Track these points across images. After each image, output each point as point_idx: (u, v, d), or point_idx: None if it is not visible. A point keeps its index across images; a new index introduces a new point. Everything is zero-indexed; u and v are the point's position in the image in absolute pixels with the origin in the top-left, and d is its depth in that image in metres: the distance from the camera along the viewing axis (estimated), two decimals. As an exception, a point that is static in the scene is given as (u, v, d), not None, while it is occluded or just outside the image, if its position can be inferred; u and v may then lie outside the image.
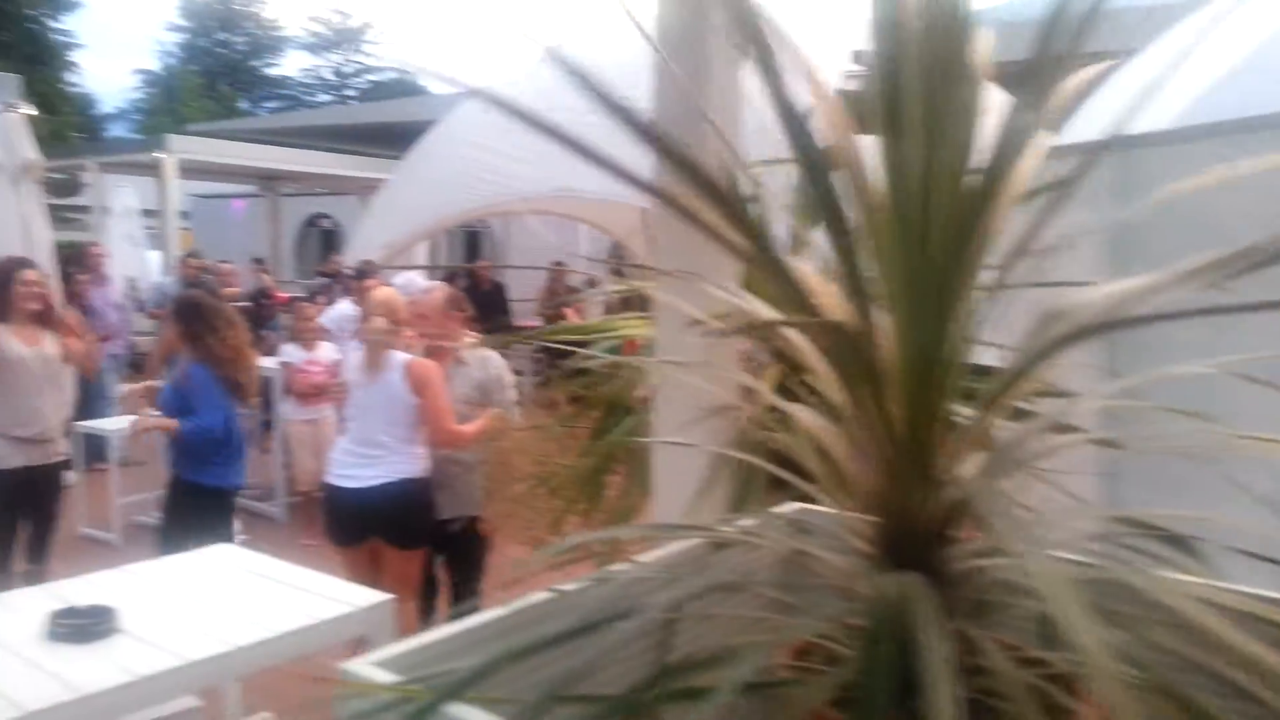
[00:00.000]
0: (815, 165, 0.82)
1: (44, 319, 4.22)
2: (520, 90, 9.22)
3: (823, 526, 1.13)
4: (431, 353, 3.61)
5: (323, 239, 19.67)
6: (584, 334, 2.40)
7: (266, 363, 6.10)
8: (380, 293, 3.82)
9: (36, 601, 2.23)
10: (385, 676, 0.79)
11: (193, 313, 3.93)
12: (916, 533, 0.89)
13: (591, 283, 12.57)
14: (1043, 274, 0.93)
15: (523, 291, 12.01)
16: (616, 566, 1.09)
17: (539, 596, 0.99)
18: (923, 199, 0.84)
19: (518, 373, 5.35)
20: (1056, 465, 0.97)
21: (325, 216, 18.69)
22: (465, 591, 3.64)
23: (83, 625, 2.01)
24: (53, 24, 27.29)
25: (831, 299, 0.92)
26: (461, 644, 0.89)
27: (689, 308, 1.51)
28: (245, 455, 4.14)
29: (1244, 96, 2.31)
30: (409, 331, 3.59)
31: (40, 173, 7.02)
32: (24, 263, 4.36)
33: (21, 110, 7.02)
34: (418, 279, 3.88)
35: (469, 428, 3.43)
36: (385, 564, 3.42)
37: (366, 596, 2.27)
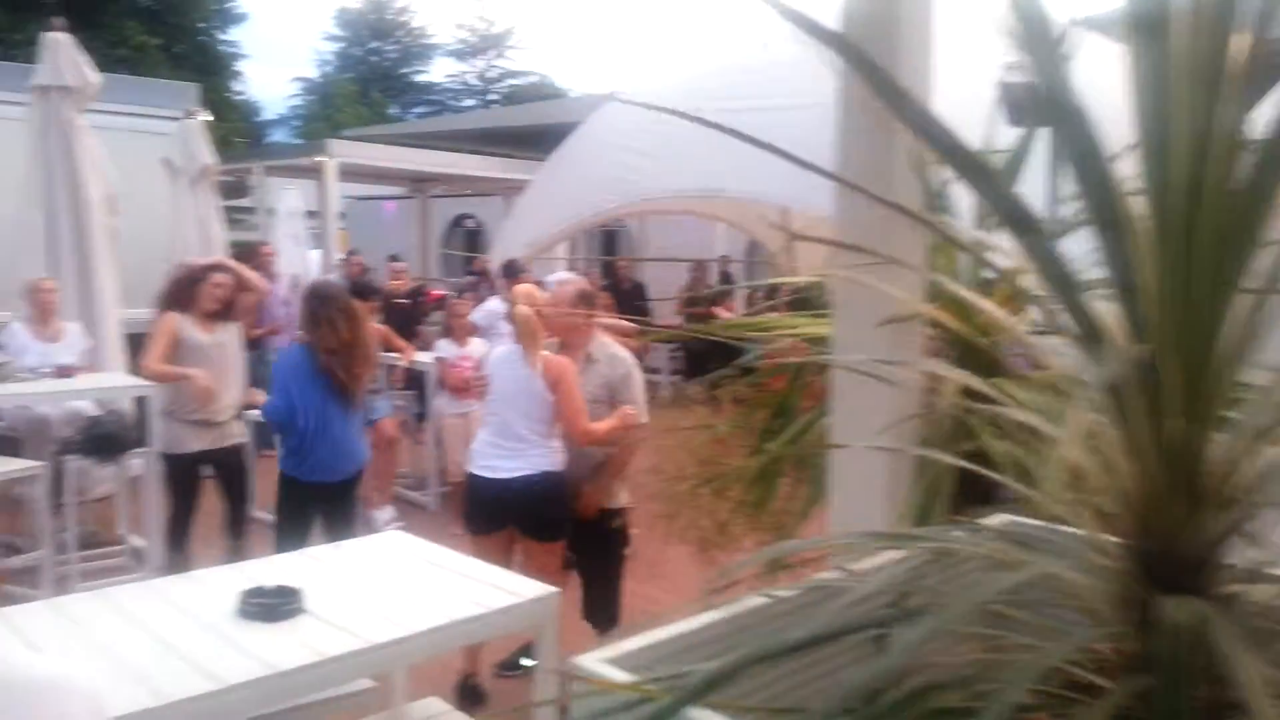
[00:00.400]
0: (1094, 167, 0.76)
1: (223, 315, 4.49)
2: (667, 88, 9.21)
3: (1043, 539, 1.06)
4: (563, 348, 3.64)
5: (467, 238, 20.26)
6: (748, 332, 2.35)
7: (422, 357, 6.33)
8: (521, 288, 3.92)
9: (225, 579, 2.36)
10: (619, 675, 0.77)
11: (317, 299, 4.04)
12: (1184, 555, 0.82)
13: (729, 280, 12.53)
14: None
15: (662, 290, 12.06)
16: (830, 575, 1.05)
17: (754, 600, 0.96)
18: (1189, 207, 0.77)
19: (653, 371, 5.35)
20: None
21: (469, 217, 19.24)
22: (600, 585, 3.66)
23: (271, 605, 2.10)
24: (221, 36, 29.13)
25: (1092, 299, 0.86)
26: (683, 645, 0.87)
27: (896, 293, 1.45)
28: (329, 450, 3.91)
29: None
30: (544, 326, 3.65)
31: (216, 175, 7.48)
32: (219, 268, 4.69)
33: (200, 117, 7.50)
34: (569, 277, 3.95)
35: (601, 425, 3.46)
36: (524, 555, 3.49)
37: (534, 588, 2.30)
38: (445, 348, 6.06)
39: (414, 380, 6.57)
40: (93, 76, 6.48)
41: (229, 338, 4.54)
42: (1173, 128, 0.77)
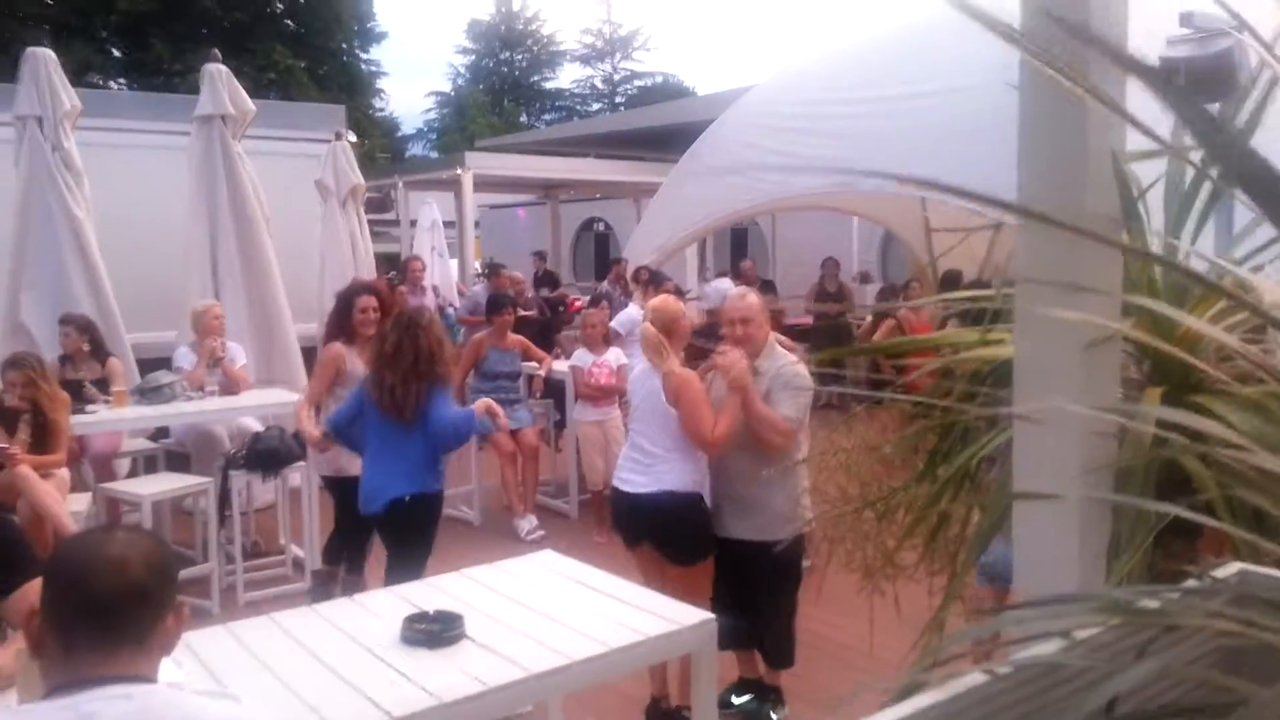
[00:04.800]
0: None
1: None
2: (805, 82, 9.03)
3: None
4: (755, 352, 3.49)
5: (596, 241, 20.48)
6: (923, 348, 2.23)
7: (559, 366, 6.40)
8: (656, 300, 3.85)
9: (388, 604, 2.40)
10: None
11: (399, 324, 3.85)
12: None
13: (864, 277, 12.22)
14: None
15: (792, 288, 11.89)
16: (1046, 650, 0.95)
17: (975, 678, 0.87)
18: None
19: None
20: None
21: (599, 220, 19.47)
22: (770, 616, 3.48)
23: (435, 632, 2.12)
24: (363, 56, 30.39)
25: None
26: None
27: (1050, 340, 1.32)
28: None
29: None
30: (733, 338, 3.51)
31: (364, 194, 7.77)
32: (364, 289, 4.64)
33: (347, 138, 7.80)
34: (726, 284, 3.86)
35: (719, 428, 3.23)
36: (666, 575, 3.36)
37: (690, 615, 2.25)
38: (581, 356, 6.10)
39: (553, 389, 6.65)
40: (248, 105, 6.83)
41: None
42: None
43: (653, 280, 6.50)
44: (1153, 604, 0.96)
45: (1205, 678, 0.96)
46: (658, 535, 3.39)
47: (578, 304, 8.39)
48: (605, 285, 9.46)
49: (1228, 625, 0.88)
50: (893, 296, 9.06)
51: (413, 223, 13.04)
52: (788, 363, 3.43)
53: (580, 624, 2.22)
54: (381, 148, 29.71)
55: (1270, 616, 0.90)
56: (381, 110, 32.69)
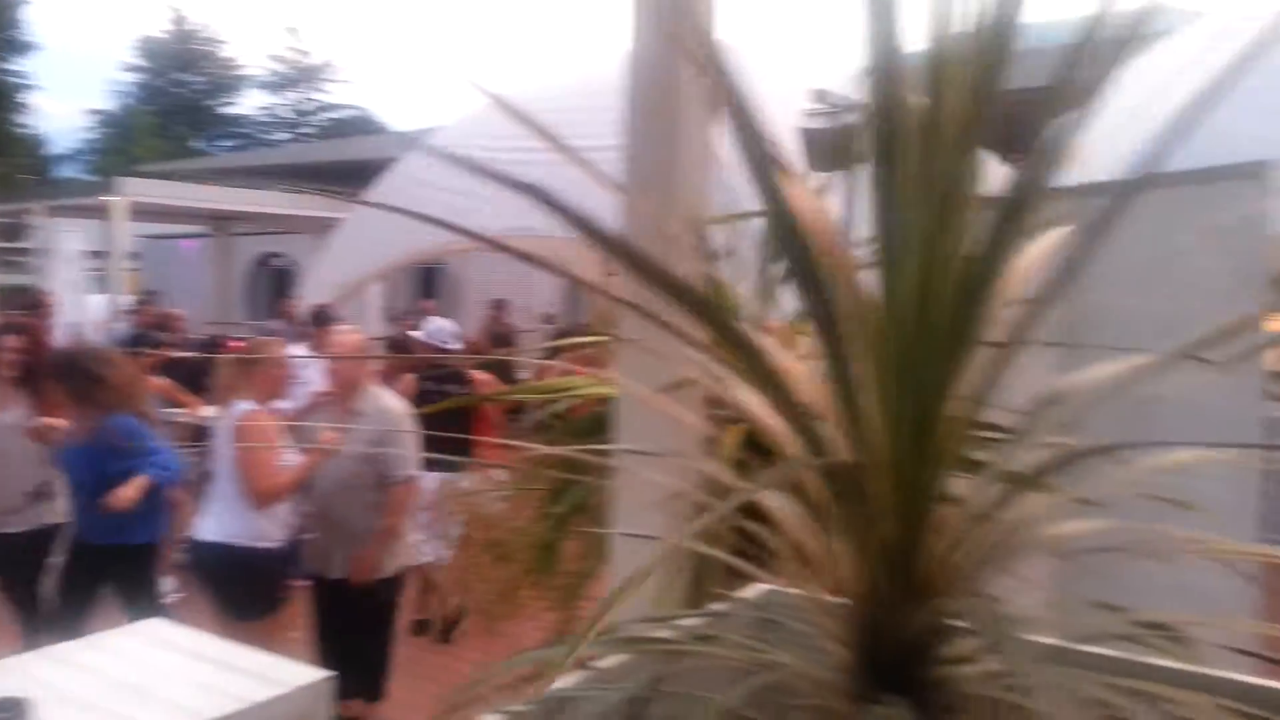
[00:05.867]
0: (798, 247, 0.73)
1: (28, 383, 3.87)
2: (490, 124, 9.16)
3: (792, 624, 1.04)
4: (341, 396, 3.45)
5: (274, 278, 19.40)
6: (541, 393, 2.29)
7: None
8: (253, 341, 3.79)
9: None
10: None
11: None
12: (900, 643, 0.80)
13: (548, 319, 12.47)
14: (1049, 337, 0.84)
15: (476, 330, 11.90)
16: (574, 680, 0.98)
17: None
18: (920, 275, 0.74)
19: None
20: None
21: (277, 255, 18.46)
22: (361, 659, 3.33)
23: (-12, 721, 1.84)
24: (6, 66, 26.94)
25: (805, 381, 0.84)
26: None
27: (646, 385, 1.40)
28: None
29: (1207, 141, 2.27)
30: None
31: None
32: (8, 326, 4.16)
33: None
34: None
35: (282, 477, 3.21)
36: (230, 630, 3.08)
37: (304, 675, 2.12)
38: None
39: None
40: None
41: (21, 419, 3.82)
42: (904, 253, 0.74)
43: (321, 320, 6.21)
44: (663, 633, 1.03)
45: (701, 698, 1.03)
46: (209, 588, 3.26)
47: (235, 344, 7.83)
48: (275, 325, 8.93)
49: (716, 650, 0.95)
50: (564, 336, 9.35)
51: (47, 253, 11.58)
52: (389, 408, 3.41)
53: (179, 697, 2.03)
54: (25, 167, 26.35)
55: (771, 640, 0.98)
56: (27, 127, 29.05)
